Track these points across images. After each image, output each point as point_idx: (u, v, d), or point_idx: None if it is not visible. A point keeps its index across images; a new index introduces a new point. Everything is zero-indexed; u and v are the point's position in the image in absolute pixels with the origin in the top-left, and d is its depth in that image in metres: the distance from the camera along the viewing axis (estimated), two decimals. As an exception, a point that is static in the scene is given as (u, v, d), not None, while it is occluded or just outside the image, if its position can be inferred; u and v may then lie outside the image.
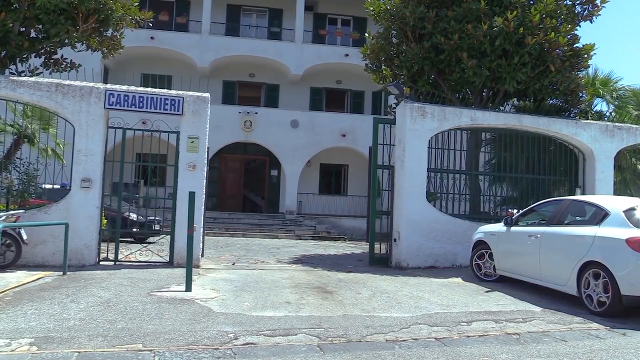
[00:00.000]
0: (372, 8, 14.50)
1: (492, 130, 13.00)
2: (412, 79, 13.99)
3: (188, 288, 7.74)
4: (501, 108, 14.40)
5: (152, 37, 22.80)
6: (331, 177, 25.62)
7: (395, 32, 14.26)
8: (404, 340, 5.58)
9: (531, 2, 12.78)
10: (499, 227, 9.49)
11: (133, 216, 13.01)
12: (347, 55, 24.01)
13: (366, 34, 15.77)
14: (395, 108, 13.18)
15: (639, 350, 5.47)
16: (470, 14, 12.68)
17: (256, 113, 23.09)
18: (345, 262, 12.42)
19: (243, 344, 5.22)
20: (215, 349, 5.04)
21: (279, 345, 5.27)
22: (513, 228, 9.09)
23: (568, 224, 8.26)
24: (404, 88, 13.20)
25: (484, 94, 14.16)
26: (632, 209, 7.39)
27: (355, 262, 12.29)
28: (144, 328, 5.64)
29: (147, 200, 14.43)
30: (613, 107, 16.38)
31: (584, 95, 14.58)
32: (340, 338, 5.57)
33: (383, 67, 14.82)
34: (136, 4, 12.54)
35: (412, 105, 11.72)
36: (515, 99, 14.79)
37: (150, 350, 4.91)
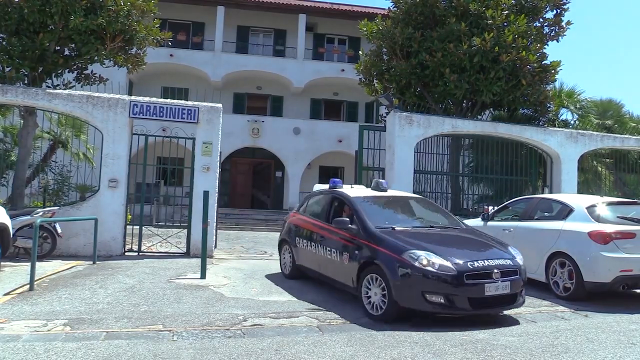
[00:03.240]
0: (365, 29, 14.51)
1: (471, 136, 13.00)
2: (400, 92, 13.99)
3: (203, 276, 7.75)
4: (479, 117, 14.39)
5: (171, 55, 22.76)
6: (329, 177, 25.57)
7: (385, 50, 14.25)
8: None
9: (505, 24, 12.76)
10: (477, 222, 9.47)
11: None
12: (343, 70, 24.00)
13: (360, 52, 15.75)
14: (385, 117, 13.18)
15: (598, 329, 5.49)
16: (452, 34, 12.69)
17: (263, 121, 23.08)
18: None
19: (251, 325, 5.24)
20: (226, 329, 5.05)
21: (283, 326, 5.28)
22: (489, 223, 9.08)
23: (538, 219, 8.26)
24: (394, 99, 13.21)
25: (464, 104, 14.15)
26: (594, 205, 7.41)
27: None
28: (163, 311, 5.66)
29: (166, 198, 14.40)
30: (577, 117, 16.34)
31: (551, 106, 14.57)
32: (337, 320, 5.59)
33: (375, 81, 14.81)
34: (157, 25, 12.52)
35: (400, 114, 11.72)
36: (491, 108, 14.78)
37: (170, 331, 4.92)
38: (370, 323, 5.48)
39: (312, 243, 7.39)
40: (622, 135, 14.19)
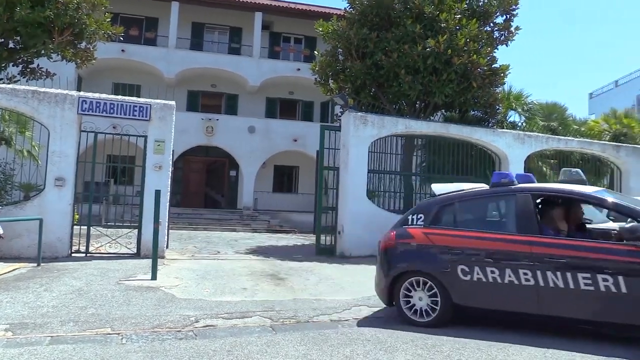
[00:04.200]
0: (321, 29, 14.56)
1: (424, 136, 13.25)
2: (355, 92, 14.12)
3: (154, 277, 7.58)
4: (432, 118, 14.70)
5: (123, 50, 22.15)
6: (284, 177, 25.54)
7: (341, 51, 14.35)
8: (346, 320, 5.64)
9: (458, 27, 13.07)
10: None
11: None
12: (299, 69, 23.99)
13: (316, 52, 15.81)
14: (340, 117, 13.27)
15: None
16: (407, 36, 12.89)
17: (217, 119, 22.78)
18: (295, 252, 12.40)
19: (203, 326, 5.16)
20: (177, 331, 4.96)
21: (236, 326, 5.23)
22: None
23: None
24: (349, 99, 13.33)
25: (417, 105, 14.41)
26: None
27: (305, 253, 12.28)
28: (112, 314, 5.50)
29: (116, 198, 14.02)
30: (524, 119, 16.93)
31: (500, 108, 15.04)
32: (290, 319, 5.58)
33: (330, 80, 14.89)
34: (108, 19, 12.17)
35: (355, 114, 11.83)
36: (443, 110, 15.13)
37: (118, 334, 4.79)
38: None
39: (508, 270, 5.12)
40: (566, 137, 14.81)
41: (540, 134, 14.07)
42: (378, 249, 6.20)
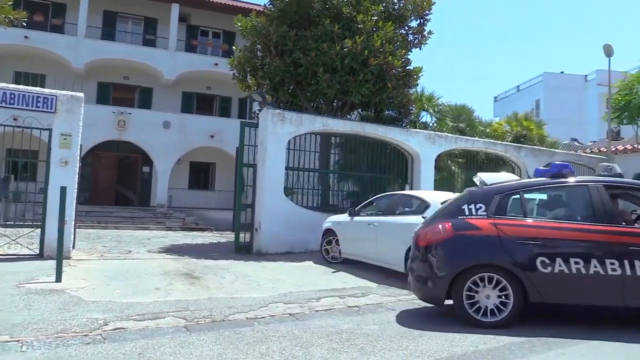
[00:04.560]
0: (240, 24, 14.38)
1: (341, 135, 13.49)
2: (274, 89, 14.08)
3: (58, 279, 7.14)
4: (348, 117, 14.98)
5: (26, 37, 20.59)
6: (200, 174, 24.96)
7: (260, 47, 14.25)
8: (262, 317, 5.62)
9: (374, 29, 13.39)
10: (344, 217, 9.88)
11: None
12: (216, 64, 23.50)
13: (234, 47, 15.58)
14: (258, 113, 13.19)
15: (451, 314, 5.98)
16: (326, 35, 13.03)
17: (130, 113, 21.81)
18: (211, 250, 12.20)
19: (113, 329, 4.94)
20: (84, 335, 4.71)
21: (148, 328, 5.05)
22: (355, 218, 9.50)
23: (399, 214, 8.80)
24: (267, 96, 13.27)
25: (334, 104, 14.61)
26: (447, 201, 8.05)
27: (221, 251, 12.11)
28: (11, 319, 5.12)
29: (17, 195, 13.07)
30: (435, 119, 17.67)
31: (413, 109, 15.61)
32: (205, 319, 5.47)
33: (249, 77, 14.74)
34: (10, 3, 11.29)
35: (273, 111, 11.81)
36: (360, 109, 15.46)
37: (18, 341, 4.46)
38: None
39: (594, 260, 5.07)
40: (473, 138, 15.68)
41: (449, 134, 14.78)
42: (414, 244, 5.82)
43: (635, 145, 19.16)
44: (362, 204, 10.00)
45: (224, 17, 23.33)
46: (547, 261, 5.14)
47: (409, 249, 7.72)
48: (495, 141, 16.21)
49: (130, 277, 7.88)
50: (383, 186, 13.08)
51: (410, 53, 14.70)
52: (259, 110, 13.43)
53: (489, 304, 5.27)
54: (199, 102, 25.68)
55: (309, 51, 13.00)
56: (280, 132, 11.74)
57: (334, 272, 8.94)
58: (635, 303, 5.11)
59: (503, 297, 5.24)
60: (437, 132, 14.62)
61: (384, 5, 14.14)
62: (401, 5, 14.61)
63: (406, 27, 14.95)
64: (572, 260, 5.10)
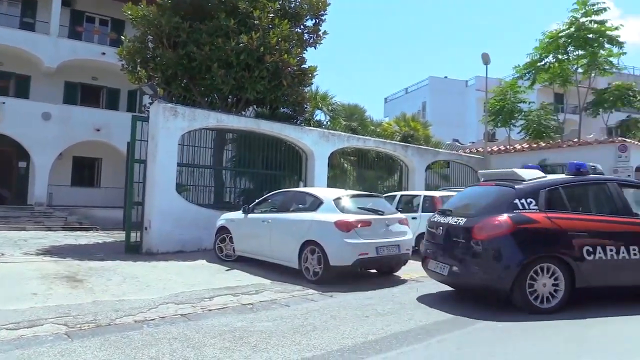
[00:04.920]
0: (129, 12, 13.66)
1: (236, 131, 13.34)
2: (166, 82, 13.56)
3: None
4: (243, 113, 14.84)
5: None
6: (84, 170, 23.33)
7: (151, 37, 13.64)
8: (152, 319, 5.42)
9: (271, 26, 13.36)
10: (239, 214, 9.79)
11: None
12: (104, 53, 22.04)
13: (123, 36, 14.77)
14: (149, 107, 12.64)
15: (341, 307, 6.19)
16: (221, 29, 12.77)
17: (4, 103, 19.82)
18: (97, 251, 11.50)
19: (-19, 340, 4.50)
20: (-54, 348, 4.25)
21: (24, 337, 4.67)
22: (250, 215, 9.45)
23: (293, 211, 8.89)
24: (158, 89, 12.76)
25: (229, 100, 14.40)
26: (339, 198, 8.30)
27: (108, 251, 11.45)
28: None
29: None
30: (329, 118, 18.11)
31: (308, 107, 15.85)
32: (89, 324, 5.17)
33: (139, 68, 14.02)
34: None
35: (165, 105, 11.39)
36: (255, 105, 15.39)
37: None
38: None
39: (623, 247, 5.95)
40: (364, 137, 16.28)
41: (342, 133, 15.21)
42: (471, 238, 5.98)
43: (508, 147, 21.03)
44: (257, 201, 9.95)
45: (112, 4, 22.00)
46: (591, 250, 5.86)
47: (303, 246, 7.91)
48: (385, 140, 16.95)
49: (2, 283, 7.21)
50: (278, 183, 13.15)
51: (305, 52, 14.89)
52: (150, 104, 12.87)
53: (544, 292, 5.77)
54: (84, 93, 23.94)
55: (204, 45, 12.67)
56: (172, 127, 11.34)
57: (227, 270, 8.84)
58: None
59: (556, 284, 5.80)
60: (331, 131, 14.98)
61: (280, 2, 14.17)
62: (297, 4, 14.74)
63: (302, 26, 15.11)
64: (608, 248, 5.92)
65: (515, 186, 6.37)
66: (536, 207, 6.07)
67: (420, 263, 7.31)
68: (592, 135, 22.32)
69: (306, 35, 15.17)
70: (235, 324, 5.27)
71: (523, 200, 6.11)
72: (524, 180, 6.48)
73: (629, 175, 15.71)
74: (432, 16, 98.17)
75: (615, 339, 4.99)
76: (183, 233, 11.08)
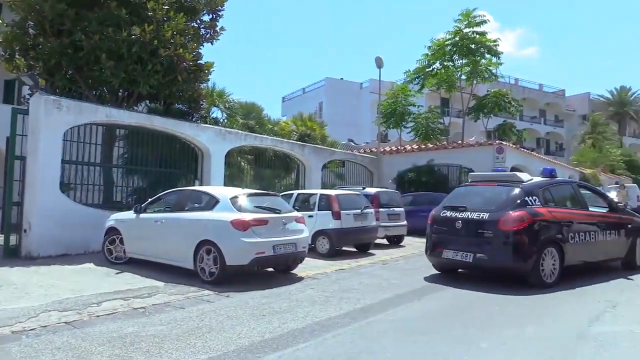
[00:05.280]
0: (7, -5, 12.50)
1: (127, 127, 12.68)
2: (48, 72, 12.57)
3: None
4: (135, 108, 14.20)
5: None
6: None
7: (32, 24, 12.58)
8: (32, 329, 5.04)
9: (165, 19, 12.89)
10: (130, 214, 9.35)
11: None
12: (-26, 37, 19.95)
13: None
14: (29, 99, 11.64)
15: (237, 307, 6.16)
16: (112, 19, 12.09)
17: None
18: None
19: None
20: None
21: None
22: (142, 215, 9.07)
23: (188, 210, 8.66)
24: (40, 80, 11.81)
25: (120, 94, 13.72)
26: (236, 197, 8.21)
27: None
28: None
29: None
30: (226, 115, 17.89)
31: (204, 104, 15.54)
32: (-44, 336, 4.68)
33: (17, 56, 12.88)
34: None
35: (47, 97, 10.53)
36: (148, 101, 14.78)
37: None
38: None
39: (591, 232, 8.17)
40: (262, 135, 16.28)
41: (239, 131, 15.09)
42: (498, 230, 7.30)
43: (399, 147, 22.10)
44: (150, 200, 9.58)
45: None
46: (573, 235, 7.76)
47: (198, 246, 7.75)
48: (283, 139, 17.08)
49: None
50: (172, 182, 12.72)
51: (202, 47, 14.58)
52: (30, 96, 11.85)
53: (549, 270, 7.43)
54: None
55: (92, 34, 11.92)
56: (55, 121, 10.51)
57: (118, 273, 8.40)
58: (599, 257, 8.44)
59: (554, 264, 7.48)
60: (228, 129, 14.80)
61: (176, -5, 13.72)
62: (194, -3, 14.37)
63: (198, 21, 14.77)
64: (582, 233, 7.92)
65: (522, 186, 7.92)
66: (539, 203, 7.68)
67: (315, 260, 7.47)
68: (473, 138, 24.13)
69: (203, 30, 14.86)
70: (125, 330, 5.05)
71: (530, 198, 7.67)
72: (523, 182, 8.07)
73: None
74: (329, 18, 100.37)
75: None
76: (68, 235, 10.33)
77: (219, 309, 6.05)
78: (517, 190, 7.81)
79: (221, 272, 7.50)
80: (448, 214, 8.09)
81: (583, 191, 9.08)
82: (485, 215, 7.54)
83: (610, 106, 52.14)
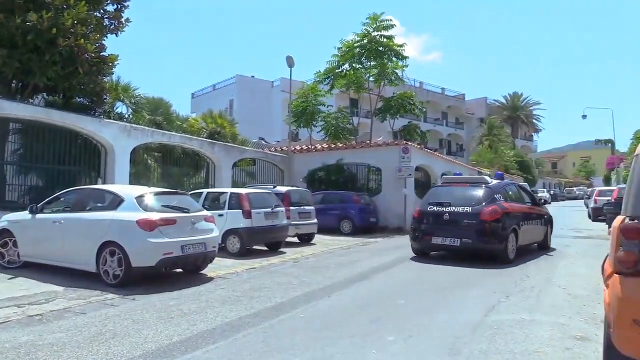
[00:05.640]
0: None
1: (21, 121, 11.84)
2: None
3: None
4: (31, 101, 13.22)
5: None
6: None
7: None
8: None
9: (65, 7, 12.13)
10: (24, 215, 8.71)
11: None
12: None
13: None
14: None
15: (144, 310, 5.97)
16: (3, 4, 11.19)
17: None
18: None
19: None
20: None
21: None
22: (39, 215, 8.47)
23: (90, 210, 8.21)
24: None
25: (13, 85, 12.73)
26: (142, 196, 7.92)
27: None
28: None
29: None
30: (131, 111, 17.13)
31: (108, 98, 14.81)
32: None
33: None
34: None
35: None
36: (45, 93, 13.82)
37: None
38: None
39: (530, 222, 10.99)
40: (170, 132, 15.78)
41: (146, 127, 14.54)
42: (479, 220, 9.55)
43: (310, 146, 22.36)
44: (47, 199, 8.97)
45: None
46: (522, 222, 10.35)
47: (101, 247, 7.40)
48: (192, 136, 16.69)
49: None
50: (72, 180, 12.01)
51: (105, 38, 13.88)
52: None
53: (511, 249, 9.79)
54: None
55: (-20, 19, 10.96)
56: None
57: (10, 278, 7.80)
58: (537, 239, 11.50)
59: (514, 244, 9.92)
60: (133, 125, 14.21)
61: (76, -18, 12.94)
62: (96, -15, 13.63)
63: (102, 10, 14.05)
64: (527, 221, 10.64)
65: (490, 185, 10.39)
66: (502, 199, 10.10)
67: (225, 260, 7.40)
68: (381, 138, 24.97)
69: (107, 21, 14.16)
70: (20, 339, 4.72)
71: (497, 195, 10.10)
72: (488, 183, 10.53)
73: (410, 175, 18.02)
74: (241, 15, 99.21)
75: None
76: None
77: (123, 313, 5.82)
78: (488, 190, 10.20)
79: (126, 275, 7.21)
80: (435, 208, 10.17)
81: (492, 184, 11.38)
82: (469, 209, 9.77)
83: (505, 110, 56.26)
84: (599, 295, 6.00)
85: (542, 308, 6.00)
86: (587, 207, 25.71)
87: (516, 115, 56.39)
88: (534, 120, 58.44)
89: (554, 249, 11.87)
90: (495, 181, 10.98)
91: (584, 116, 40.44)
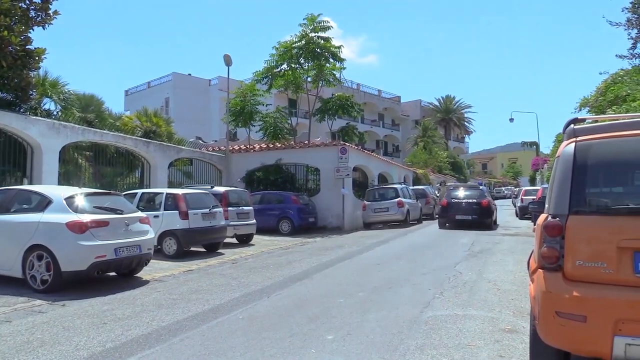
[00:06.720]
0: None
1: None
2: None
3: None
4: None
5: None
6: None
7: None
8: None
9: (-15, -4, 11.40)
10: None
11: None
12: None
13: None
14: None
15: (75, 316, 5.72)
16: None
17: None
18: None
19: None
20: None
21: None
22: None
23: (15, 212, 7.77)
24: None
25: None
26: (72, 197, 7.57)
27: None
28: None
29: None
30: (60, 107, 16.33)
31: (34, 94, 14.01)
32: None
33: None
34: None
35: None
36: (-37, 87, 12.92)
37: None
38: None
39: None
40: (102, 130, 15.16)
41: (76, 125, 13.90)
42: (481, 206, 17.25)
43: (248, 146, 22.17)
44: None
45: None
46: (493, 206, 19.36)
47: (28, 251, 7.03)
48: (126, 135, 16.12)
49: None
50: (-5, 180, 11.33)
51: (31, 31, 13.09)
52: None
53: (493, 220, 18.55)
54: None
55: None
56: None
57: None
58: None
59: (495, 220, 19.13)
60: (63, 122, 13.55)
61: (-1, -29, 12.17)
62: (21, -25, 12.88)
63: (27, 1, 13.26)
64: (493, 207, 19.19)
65: (481, 188, 19.70)
66: (487, 195, 19.07)
67: (161, 262, 7.22)
68: (319, 139, 25.14)
69: (33, 13, 13.36)
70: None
71: (486, 193, 19.27)
72: (480, 186, 20.66)
73: (348, 175, 18.26)
74: (177, 10, 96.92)
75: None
76: None
77: (52, 320, 5.55)
78: (481, 189, 19.21)
79: (55, 280, 6.89)
80: (455, 200, 17.65)
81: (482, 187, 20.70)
82: (475, 200, 17.48)
83: (438, 113, 58.09)
84: (526, 290, 6.34)
85: (474, 303, 6.24)
86: (515, 206, 27.05)
87: (449, 118, 58.36)
88: (465, 123, 60.68)
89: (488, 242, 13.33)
90: (483, 186, 21.31)
91: (511, 119, 42.86)
